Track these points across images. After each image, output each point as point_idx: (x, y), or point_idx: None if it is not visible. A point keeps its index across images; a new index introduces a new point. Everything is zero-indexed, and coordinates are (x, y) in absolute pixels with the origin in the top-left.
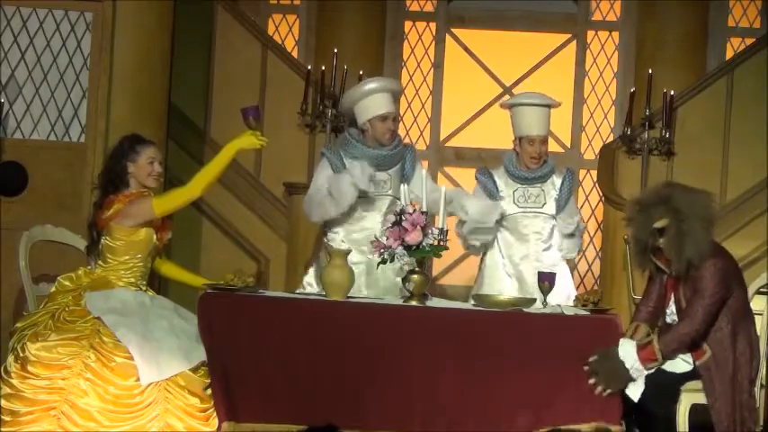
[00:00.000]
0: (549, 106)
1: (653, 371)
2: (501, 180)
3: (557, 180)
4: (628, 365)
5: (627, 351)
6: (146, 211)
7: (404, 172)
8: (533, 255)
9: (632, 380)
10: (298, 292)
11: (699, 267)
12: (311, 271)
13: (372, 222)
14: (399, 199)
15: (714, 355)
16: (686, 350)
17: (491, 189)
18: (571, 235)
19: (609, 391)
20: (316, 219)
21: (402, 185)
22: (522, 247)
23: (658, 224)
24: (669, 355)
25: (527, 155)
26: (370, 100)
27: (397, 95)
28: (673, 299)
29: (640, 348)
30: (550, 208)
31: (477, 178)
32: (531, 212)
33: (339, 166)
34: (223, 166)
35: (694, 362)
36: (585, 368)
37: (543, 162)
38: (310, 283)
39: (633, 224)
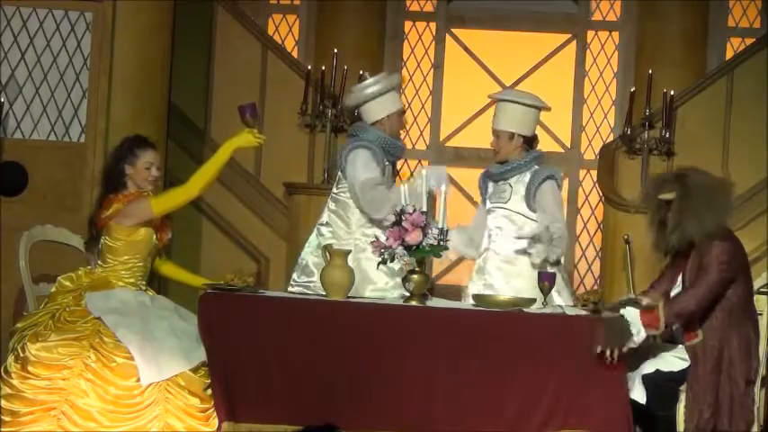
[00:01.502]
0: (516, 103)
1: (651, 371)
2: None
3: (527, 176)
4: (633, 330)
5: (631, 316)
6: (144, 210)
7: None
8: (494, 248)
9: (633, 343)
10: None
11: (706, 247)
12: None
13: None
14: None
15: (704, 341)
16: (685, 324)
17: (482, 191)
18: (537, 239)
19: (615, 353)
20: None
21: (402, 186)
22: (488, 241)
23: (664, 195)
24: (670, 324)
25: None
26: (388, 96)
27: (400, 89)
28: (680, 279)
29: (644, 313)
30: (515, 204)
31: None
32: (496, 207)
33: (380, 157)
34: (221, 164)
35: (684, 342)
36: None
37: (517, 158)
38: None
39: (645, 197)
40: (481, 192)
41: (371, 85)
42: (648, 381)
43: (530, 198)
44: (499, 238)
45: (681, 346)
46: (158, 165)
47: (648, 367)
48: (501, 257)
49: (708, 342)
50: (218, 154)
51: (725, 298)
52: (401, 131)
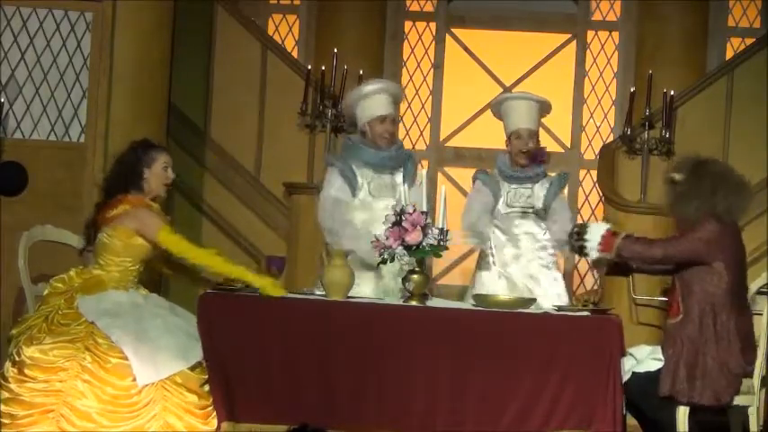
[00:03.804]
0: (535, 101)
1: (629, 377)
2: (499, 173)
3: (546, 182)
4: (588, 244)
5: (595, 231)
6: (151, 227)
7: (406, 179)
8: (525, 255)
9: (585, 255)
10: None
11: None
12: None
13: (377, 229)
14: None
15: (683, 320)
16: (642, 263)
17: (493, 188)
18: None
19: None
20: (329, 241)
21: (402, 185)
22: (514, 248)
23: (673, 174)
24: (621, 254)
25: (516, 149)
26: (369, 101)
27: (396, 98)
28: None
29: (607, 235)
30: (539, 209)
31: (477, 178)
32: (521, 212)
33: (350, 176)
34: (228, 274)
35: (667, 319)
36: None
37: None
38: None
39: (664, 179)
40: (489, 185)
41: (358, 88)
42: (626, 387)
43: (547, 202)
44: (533, 244)
45: (658, 347)
46: (172, 165)
47: (626, 376)
48: (542, 263)
49: (685, 317)
50: (238, 270)
51: (706, 289)
52: (386, 137)
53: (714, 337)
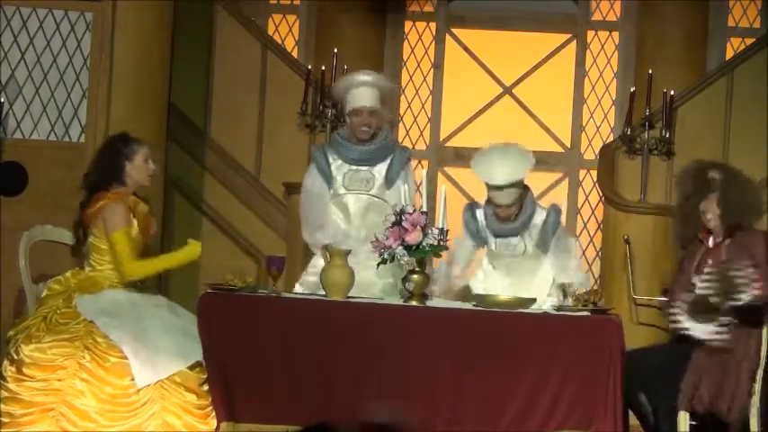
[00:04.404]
0: (513, 183)
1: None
2: (485, 219)
3: (537, 221)
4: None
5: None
6: (112, 224)
7: (389, 174)
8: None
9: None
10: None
11: (748, 240)
12: (304, 274)
13: (346, 223)
14: (381, 199)
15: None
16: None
17: (472, 229)
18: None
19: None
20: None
21: (403, 185)
22: (506, 279)
23: (715, 175)
24: None
25: (494, 207)
26: (350, 93)
27: (382, 91)
28: (708, 265)
29: None
30: (531, 255)
31: (462, 215)
32: (511, 263)
33: (324, 168)
34: (165, 268)
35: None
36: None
37: (517, 214)
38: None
39: (683, 181)
40: (468, 227)
41: (345, 77)
42: (650, 376)
43: (546, 238)
44: (526, 281)
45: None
46: (154, 158)
47: None
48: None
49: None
50: (163, 262)
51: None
52: (363, 130)
53: (748, 353)
